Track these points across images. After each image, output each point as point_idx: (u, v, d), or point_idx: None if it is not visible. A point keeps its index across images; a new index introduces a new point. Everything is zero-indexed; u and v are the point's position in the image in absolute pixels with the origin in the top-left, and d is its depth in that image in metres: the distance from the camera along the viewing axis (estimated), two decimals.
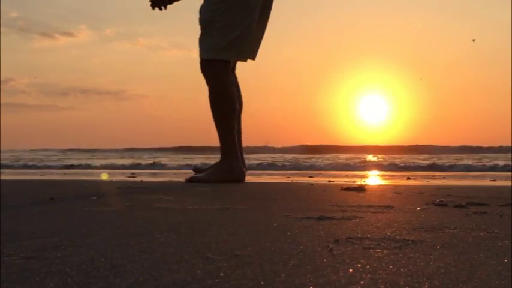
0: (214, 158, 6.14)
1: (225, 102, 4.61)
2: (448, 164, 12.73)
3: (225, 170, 4.60)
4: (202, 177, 4.65)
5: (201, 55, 4.62)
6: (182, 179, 4.97)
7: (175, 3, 4.64)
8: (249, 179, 5.00)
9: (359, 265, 1.20)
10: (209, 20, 4.57)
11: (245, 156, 4.97)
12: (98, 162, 16.53)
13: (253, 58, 4.81)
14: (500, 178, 6.88)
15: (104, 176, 7.65)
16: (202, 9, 4.61)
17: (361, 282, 1.05)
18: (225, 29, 4.53)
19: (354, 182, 5.17)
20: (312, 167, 12.53)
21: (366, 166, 12.83)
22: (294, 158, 17.10)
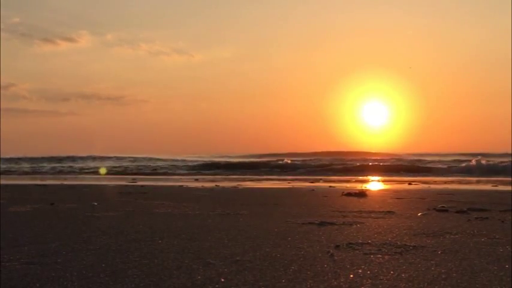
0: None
1: None
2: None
3: None
4: None
5: None
6: (183, 185, 4.97)
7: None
8: (249, 183, 5.00)
9: (360, 270, 1.20)
10: None
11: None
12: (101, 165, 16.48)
13: None
14: (501, 183, 6.88)
15: (103, 171, 7.59)
16: None
17: None
18: None
19: (355, 187, 5.18)
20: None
21: (367, 171, 12.82)
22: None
